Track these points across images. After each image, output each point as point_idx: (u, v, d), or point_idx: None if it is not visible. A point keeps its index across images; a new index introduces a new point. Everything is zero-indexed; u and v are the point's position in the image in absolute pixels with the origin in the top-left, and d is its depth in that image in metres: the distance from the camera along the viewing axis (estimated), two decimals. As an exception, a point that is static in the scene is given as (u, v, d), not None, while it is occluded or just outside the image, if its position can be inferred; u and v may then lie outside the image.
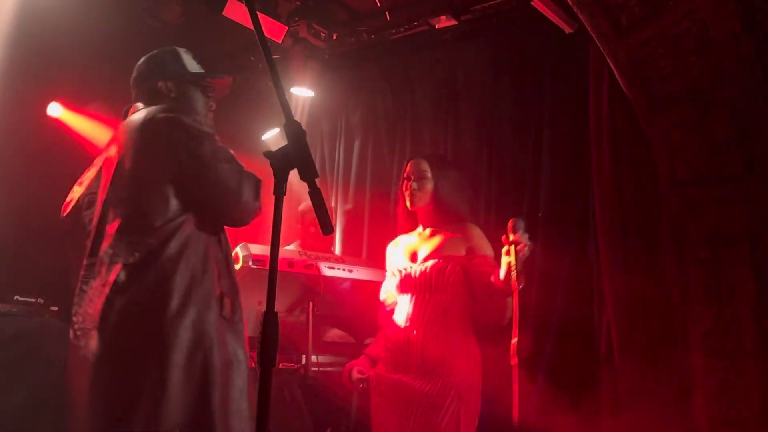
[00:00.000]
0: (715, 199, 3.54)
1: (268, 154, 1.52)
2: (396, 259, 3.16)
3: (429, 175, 3.08)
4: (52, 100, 5.57)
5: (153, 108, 2.37)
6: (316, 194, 1.48)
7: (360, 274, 4.13)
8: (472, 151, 4.98)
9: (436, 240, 3.06)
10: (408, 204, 3.11)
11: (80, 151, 5.58)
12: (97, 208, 2.29)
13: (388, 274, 3.23)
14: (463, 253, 3.00)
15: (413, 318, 2.92)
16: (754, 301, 3.39)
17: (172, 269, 2.14)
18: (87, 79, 5.44)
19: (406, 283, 2.98)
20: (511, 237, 2.69)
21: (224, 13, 4.36)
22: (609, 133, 4.01)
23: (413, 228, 3.22)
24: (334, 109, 5.87)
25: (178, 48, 2.64)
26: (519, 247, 2.67)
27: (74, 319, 2.20)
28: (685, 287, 3.60)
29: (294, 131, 1.51)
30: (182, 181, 2.22)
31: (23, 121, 5.05)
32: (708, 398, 3.45)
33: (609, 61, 3.76)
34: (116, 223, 2.20)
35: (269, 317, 1.46)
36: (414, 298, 2.95)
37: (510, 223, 2.72)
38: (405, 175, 3.15)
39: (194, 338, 2.10)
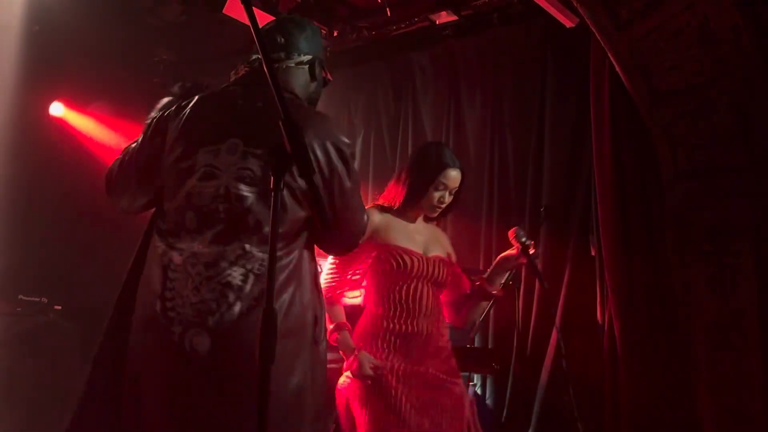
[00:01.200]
0: (717, 191, 3.54)
1: (266, 152, 1.52)
2: (397, 239, 2.91)
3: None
4: (54, 100, 5.59)
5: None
6: (313, 190, 1.48)
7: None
8: (473, 145, 4.99)
9: (433, 237, 3.01)
10: (431, 212, 2.94)
11: (82, 150, 5.61)
12: (233, 192, 1.98)
13: (384, 247, 2.89)
14: (447, 254, 3.02)
15: (429, 308, 2.84)
16: (758, 293, 3.39)
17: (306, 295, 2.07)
18: (88, 79, 5.46)
19: (419, 272, 2.85)
20: (525, 241, 2.87)
21: (224, 11, 4.37)
22: (610, 127, 4.01)
23: (395, 208, 2.99)
24: (335, 106, 5.87)
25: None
26: (532, 251, 2.86)
27: (178, 310, 1.95)
28: (688, 279, 3.60)
29: (291, 128, 1.51)
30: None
31: (25, 121, 5.07)
32: (712, 390, 3.45)
33: (609, 54, 3.75)
34: (266, 228, 1.94)
35: (268, 313, 1.46)
36: (426, 288, 2.87)
37: (514, 232, 2.92)
38: (443, 184, 2.91)
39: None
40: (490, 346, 4.53)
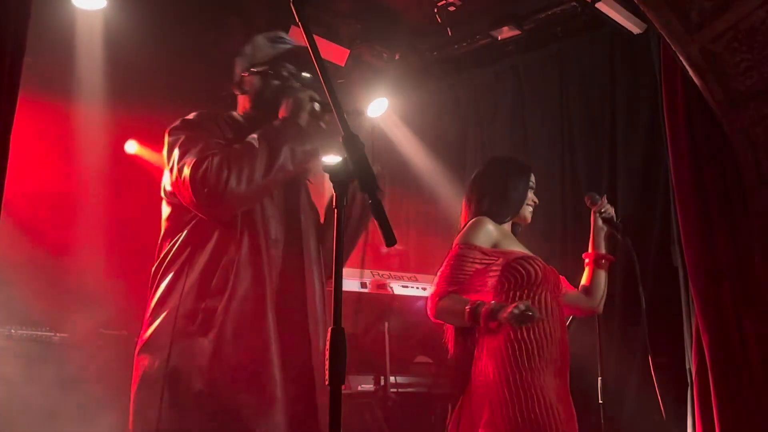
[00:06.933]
0: (806, 195, 3.35)
1: (326, 168, 1.51)
2: (513, 247, 2.94)
3: None
4: (128, 138, 5.76)
5: None
6: (376, 206, 1.45)
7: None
8: (544, 159, 4.91)
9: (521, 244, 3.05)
10: (527, 216, 3.06)
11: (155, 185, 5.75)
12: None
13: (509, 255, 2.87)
14: None
15: (555, 314, 2.83)
16: None
17: None
18: (159, 116, 5.60)
19: (545, 278, 2.85)
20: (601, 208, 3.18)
21: (288, 40, 4.42)
22: (686, 134, 3.85)
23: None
24: (401, 129, 5.85)
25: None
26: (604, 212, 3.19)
27: None
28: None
29: (352, 144, 1.49)
30: None
31: (102, 158, 5.26)
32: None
33: (681, 58, 3.62)
34: None
35: (336, 334, 1.43)
36: (551, 294, 2.87)
37: (588, 199, 3.19)
38: (532, 184, 3.10)
39: None
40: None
